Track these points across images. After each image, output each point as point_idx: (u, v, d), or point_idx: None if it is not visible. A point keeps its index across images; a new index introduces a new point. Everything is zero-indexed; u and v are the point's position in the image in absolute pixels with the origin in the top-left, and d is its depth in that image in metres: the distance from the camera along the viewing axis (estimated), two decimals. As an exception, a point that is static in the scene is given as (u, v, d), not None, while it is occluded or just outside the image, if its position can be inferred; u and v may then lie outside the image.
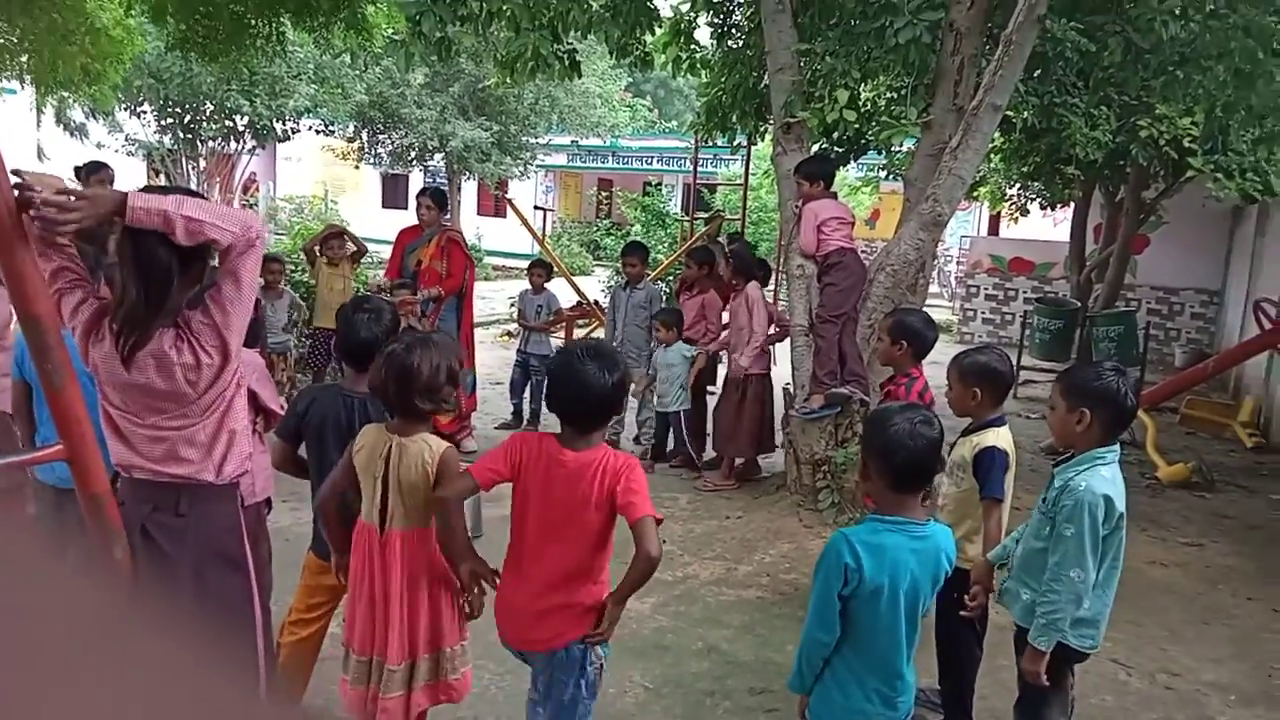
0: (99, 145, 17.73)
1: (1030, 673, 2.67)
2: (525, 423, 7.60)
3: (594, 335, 10.35)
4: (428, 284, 6.38)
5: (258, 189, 23.85)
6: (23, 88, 11.10)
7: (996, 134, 6.45)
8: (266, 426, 3.17)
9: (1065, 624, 2.59)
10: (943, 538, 2.37)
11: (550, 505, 2.37)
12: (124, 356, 2.06)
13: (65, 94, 11.16)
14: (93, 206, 1.94)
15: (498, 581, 2.46)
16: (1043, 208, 13.07)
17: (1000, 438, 3.11)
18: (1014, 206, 13.13)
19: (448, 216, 6.64)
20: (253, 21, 7.96)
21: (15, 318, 2.38)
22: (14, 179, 1.85)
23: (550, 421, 7.75)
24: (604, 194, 26.60)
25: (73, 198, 1.91)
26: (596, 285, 13.82)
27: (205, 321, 2.11)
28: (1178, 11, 5.70)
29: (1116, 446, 2.66)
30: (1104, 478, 2.58)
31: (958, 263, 19.41)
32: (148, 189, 2.19)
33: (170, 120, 17.50)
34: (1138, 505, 6.35)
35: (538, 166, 23.09)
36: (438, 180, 23.08)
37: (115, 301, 2.09)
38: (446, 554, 2.50)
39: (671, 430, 6.56)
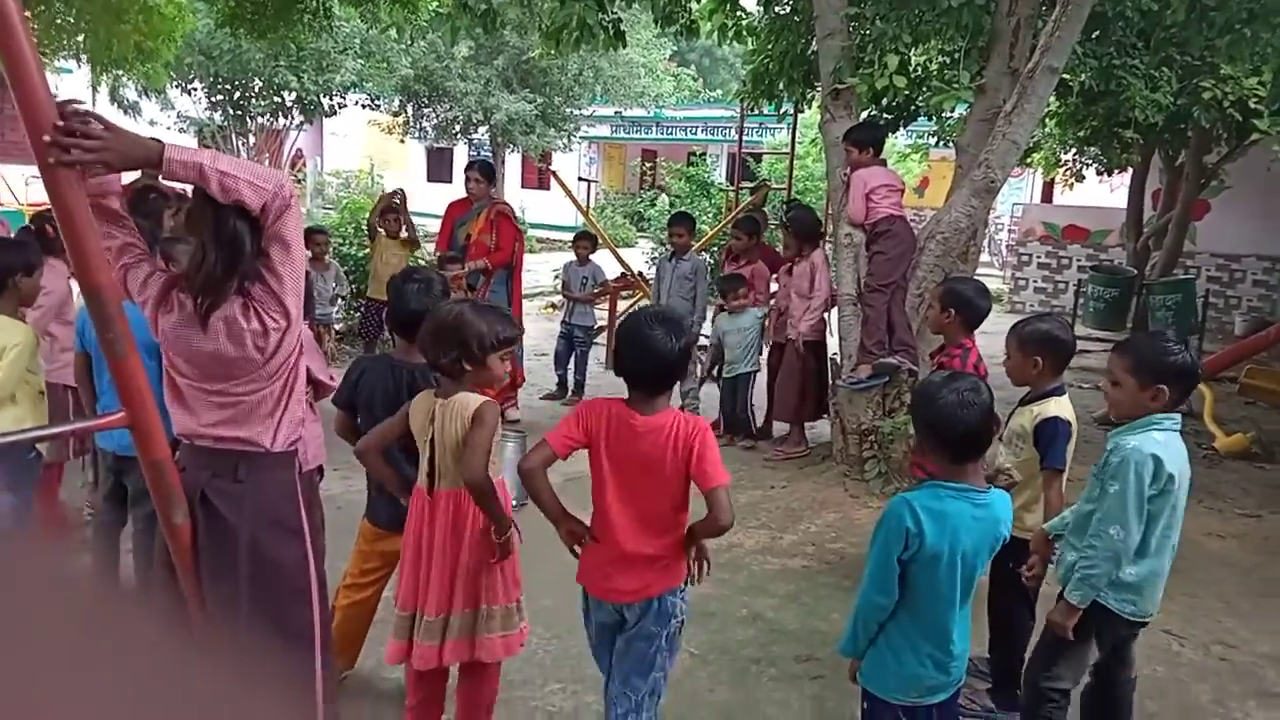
0: (152, 123, 18.08)
1: (1057, 625, 2.63)
2: (570, 393, 7.64)
3: (639, 306, 10.36)
4: (476, 257, 6.39)
5: (305, 164, 24.14)
6: (79, 66, 11.33)
7: (1052, 98, 6.29)
8: (317, 396, 3.24)
9: (1102, 581, 2.54)
10: (1001, 506, 2.35)
11: (625, 467, 2.42)
12: (203, 318, 2.10)
13: (119, 72, 11.37)
14: (120, 144, 1.88)
15: (592, 540, 2.50)
16: (1099, 173, 12.74)
17: (1062, 407, 3.06)
18: (1069, 172, 12.81)
19: (495, 189, 6.65)
20: (300, -4, 8.03)
21: (76, 292, 2.46)
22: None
23: (594, 392, 7.78)
24: (648, 165, 26.46)
25: (104, 128, 1.85)
26: (640, 257, 13.79)
27: (265, 290, 2.14)
28: (1245, -34, 5.50)
29: (1178, 415, 2.60)
30: (1156, 440, 2.53)
31: (1009, 230, 19.03)
32: (135, 194, 2.22)
33: (220, 97, 17.78)
34: (1196, 476, 6.13)
35: (581, 138, 23.05)
36: (483, 153, 23.17)
37: (191, 268, 2.12)
38: (486, 509, 2.52)
39: (738, 394, 6.52)
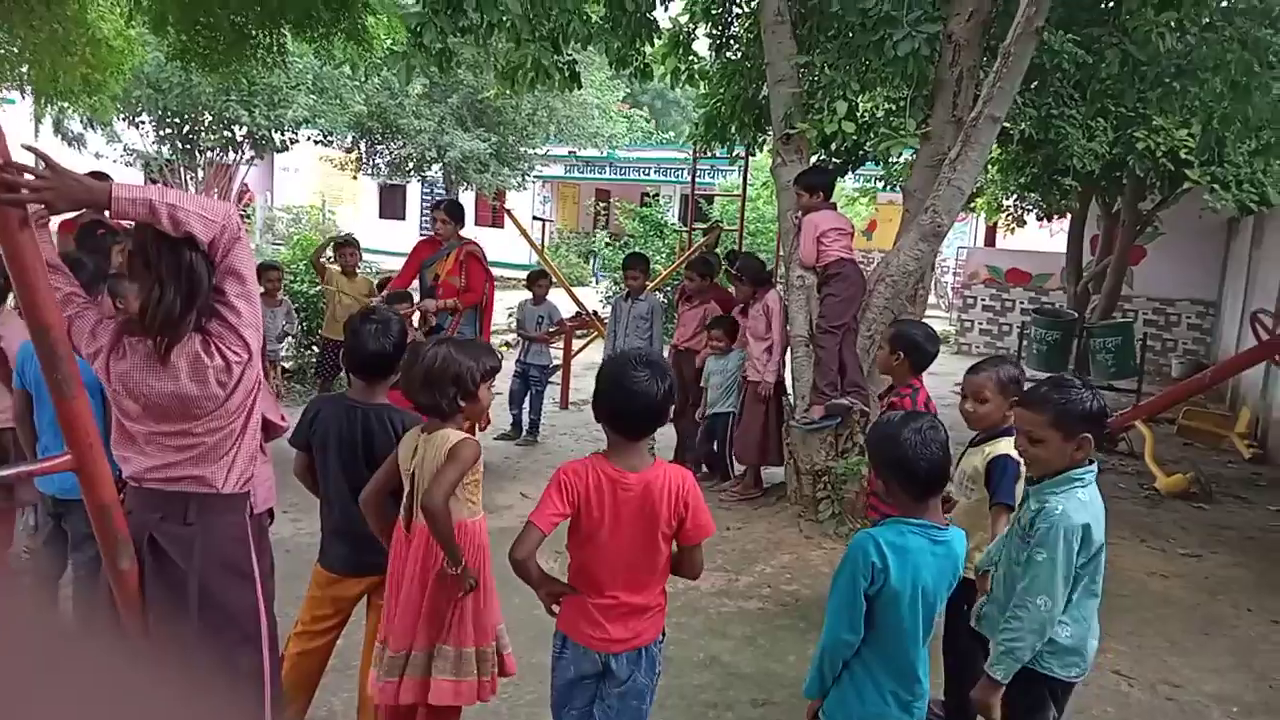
0: (97, 155, 17.76)
1: (981, 704, 2.54)
2: (524, 433, 7.60)
3: (592, 345, 10.36)
4: (445, 298, 6.30)
5: (252, 199, 23.83)
6: (23, 98, 11.12)
7: (994, 145, 6.48)
8: (267, 437, 3.17)
9: (1025, 654, 2.47)
10: (959, 543, 2.37)
11: (621, 529, 2.36)
12: (162, 357, 2.06)
13: (65, 104, 11.17)
14: (63, 184, 1.84)
15: (575, 592, 2.45)
16: (1039, 219, 13.12)
17: (1013, 446, 3.11)
18: (1010, 217, 13.18)
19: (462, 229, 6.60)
20: (254, 32, 7.99)
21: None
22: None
23: (549, 432, 7.72)
24: (601, 204, 26.66)
25: (42, 167, 1.81)
26: (594, 296, 13.82)
27: (223, 325, 2.11)
28: (1174, 24, 5.74)
29: (1094, 466, 2.56)
30: (1081, 501, 2.48)
31: (954, 273, 19.47)
32: (79, 230, 2.19)
33: (169, 130, 17.56)
34: (1136, 516, 6.37)
35: (535, 177, 23.15)
36: (436, 191, 23.11)
37: (144, 307, 2.06)
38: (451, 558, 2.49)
39: (716, 434, 6.50)
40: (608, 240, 20.36)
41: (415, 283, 6.70)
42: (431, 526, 2.47)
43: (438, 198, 6.76)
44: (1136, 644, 4.28)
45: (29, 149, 1.86)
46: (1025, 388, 3.10)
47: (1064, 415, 2.48)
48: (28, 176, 1.79)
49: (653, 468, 2.39)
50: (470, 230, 6.83)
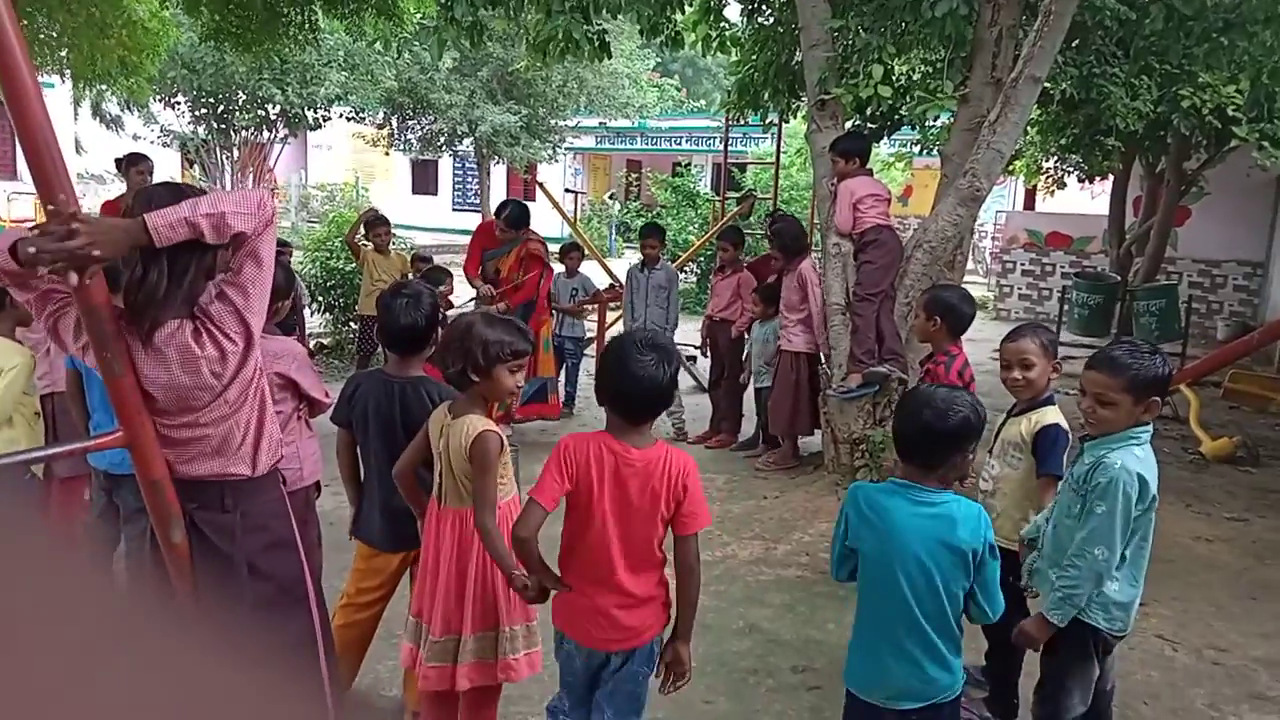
0: (135, 137, 18.00)
1: (1028, 638, 2.64)
2: (562, 405, 7.63)
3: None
4: (507, 294, 6.38)
5: (273, 178, 23.78)
6: (62, 81, 11.28)
7: (1034, 106, 6.35)
8: (312, 413, 3.22)
9: (1082, 600, 2.52)
10: (961, 511, 2.34)
11: (623, 505, 2.31)
12: (145, 341, 2.00)
13: (102, 87, 11.32)
14: (101, 235, 1.79)
15: (567, 588, 2.41)
16: (1080, 180, 12.84)
17: (1059, 414, 3.10)
18: (1050, 180, 12.93)
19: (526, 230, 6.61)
20: (285, 10, 8.02)
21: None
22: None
23: (585, 404, 7.75)
24: (633, 175, 26.53)
25: (76, 223, 1.75)
26: (626, 267, 13.79)
27: (227, 308, 2.06)
28: (1222, -24, 5.58)
29: (1149, 426, 2.58)
30: (1138, 456, 2.52)
31: (993, 238, 19.16)
32: (139, 194, 2.16)
33: (204, 110, 17.74)
34: (1182, 480, 6.28)
35: (566, 149, 23.08)
36: (467, 165, 23.14)
37: (126, 286, 2.00)
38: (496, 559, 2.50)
39: (762, 405, 6.47)
40: (638, 210, 20.26)
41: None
42: (485, 543, 2.48)
43: (502, 200, 6.74)
44: (1181, 608, 4.23)
45: (65, 215, 1.83)
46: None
47: (1138, 380, 2.52)
48: (71, 240, 1.75)
49: (655, 447, 2.35)
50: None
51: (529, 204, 7.17)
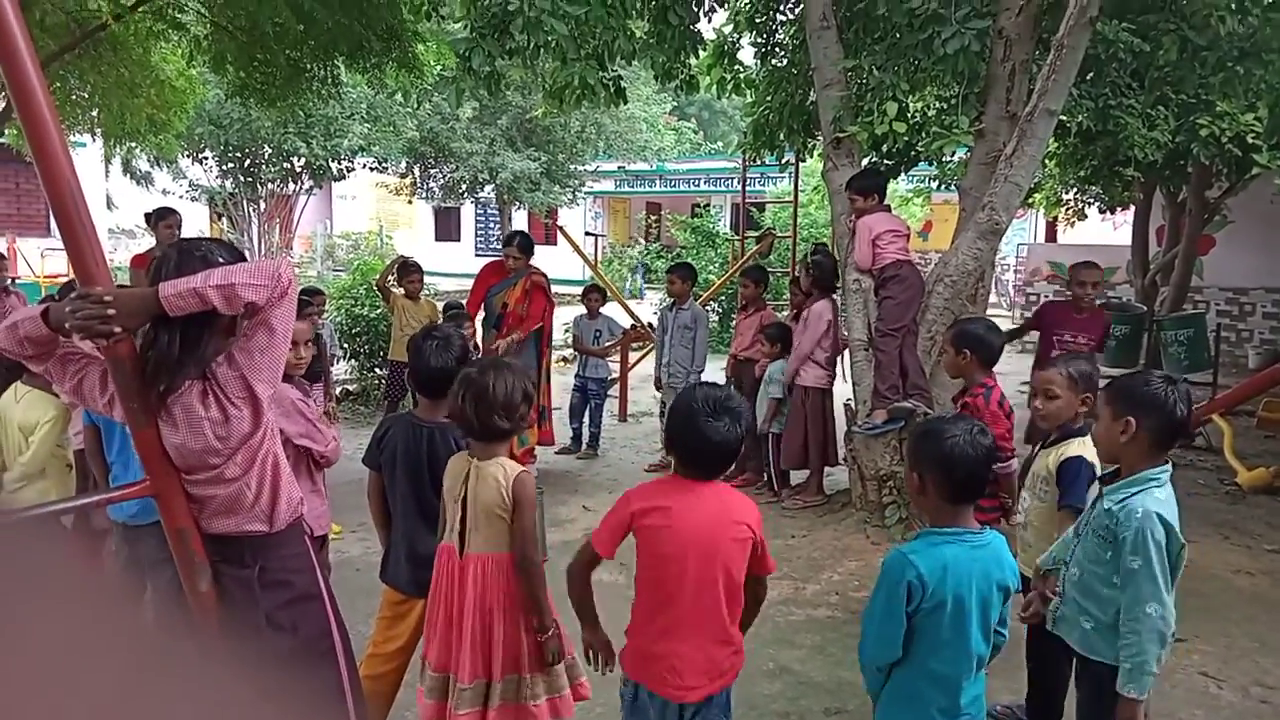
0: (164, 192, 18.39)
1: None
2: (585, 446, 7.63)
3: (648, 358, 10.37)
4: (512, 325, 6.49)
5: (290, 241, 24.06)
6: (93, 140, 11.56)
7: (1051, 139, 6.35)
8: (316, 465, 3.23)
9: (1153, 665, 2.38)
10: (1000, 546, 2.31)
11: (708, 545, 2.29)
12: (157, 405, 2.02)
13: (132, 144, 11.59)
14: (122, 307, 1.89)
15: (611, 663, 2.43)
16: (1101, 211, 12.80)
17: (1085, 447, 3.02)
18: (1071, 211, 12.89)
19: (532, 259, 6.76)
20: (309, 66, 8.20)
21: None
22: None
23: (609, 444, 7.73)
24: (653, 218, 26.74)
25: (107, 299, 1.87)
26: (648, 308, 13.86)
27: (233, 372, 2.06)
28: (1234, 6, 5.57)
29: (1168, 466, 2.49)
30: (1159, 499, 2.43)
31: (1015, 271, 19.08)
32: (156, 260, 2.21)
33: (231, 165, 18.10)
34: (1218, 512, 6.16)
35: (586, 193, 23.33)
36: (489, 212, 23.41)
37: (140, 350, 2.01)
38: (529, 601, 2.50)
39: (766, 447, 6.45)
40: (659, 251, 20.38)
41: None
42: (528, 585, 2.49)
43: (509, 231, 6.89)
44: (1225, 644, 4.12)
45: (84, 293, 1.91)
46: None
47: (1115, 395, 2.54)
48: (97, 310, 1.86)
49: (723, 488, 2.37)
50: (524, 248, 6.92)
51: (551, 247, 7.28)
